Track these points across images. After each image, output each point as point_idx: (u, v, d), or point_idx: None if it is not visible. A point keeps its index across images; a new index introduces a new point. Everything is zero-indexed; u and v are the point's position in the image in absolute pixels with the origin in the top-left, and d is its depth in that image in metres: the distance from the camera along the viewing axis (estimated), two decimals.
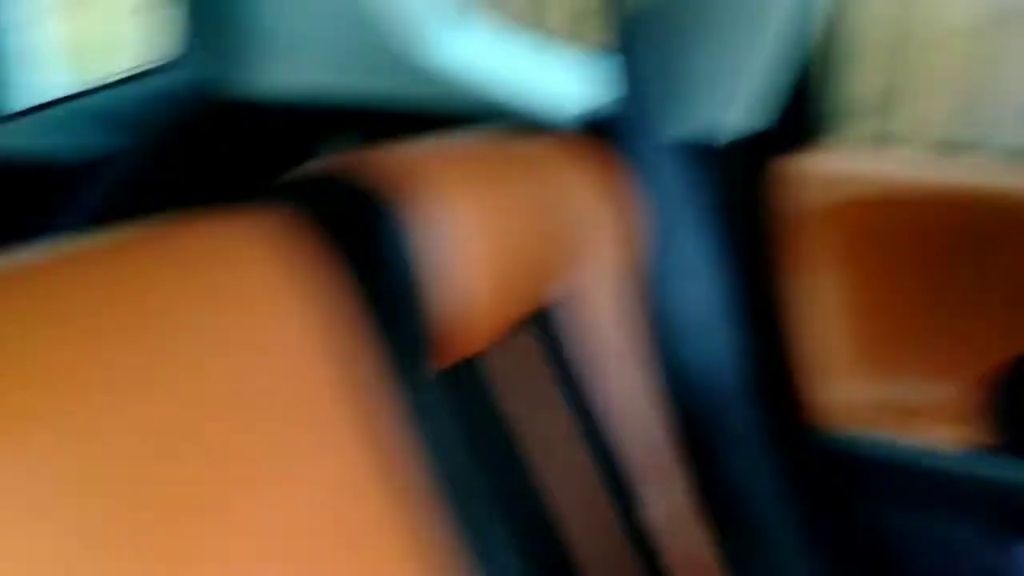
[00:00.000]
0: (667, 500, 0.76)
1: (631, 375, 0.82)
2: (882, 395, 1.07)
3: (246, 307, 0.43)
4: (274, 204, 0.49)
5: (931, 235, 1.05)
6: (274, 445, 0.41)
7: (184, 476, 0.36)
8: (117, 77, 1.07)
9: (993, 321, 1.06)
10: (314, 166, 0.56)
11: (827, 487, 1.01)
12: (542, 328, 0.71)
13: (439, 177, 0.59)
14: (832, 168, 1.08)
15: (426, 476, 0.51)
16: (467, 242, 0.57)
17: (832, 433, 1.00)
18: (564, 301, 0.74)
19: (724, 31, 0.89)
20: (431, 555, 0.49)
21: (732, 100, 0.91)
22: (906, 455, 0.99)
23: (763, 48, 0.90)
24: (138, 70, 1.07)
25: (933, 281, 1.06)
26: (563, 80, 0.98)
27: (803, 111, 1.08)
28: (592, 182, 0.81)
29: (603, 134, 0.85)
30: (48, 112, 1.04)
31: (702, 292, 0.90)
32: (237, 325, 0.42)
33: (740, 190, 0.99)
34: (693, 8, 0.90)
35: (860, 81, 2.43)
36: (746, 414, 0.90)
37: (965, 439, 1.03)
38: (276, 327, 0.44)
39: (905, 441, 1.00)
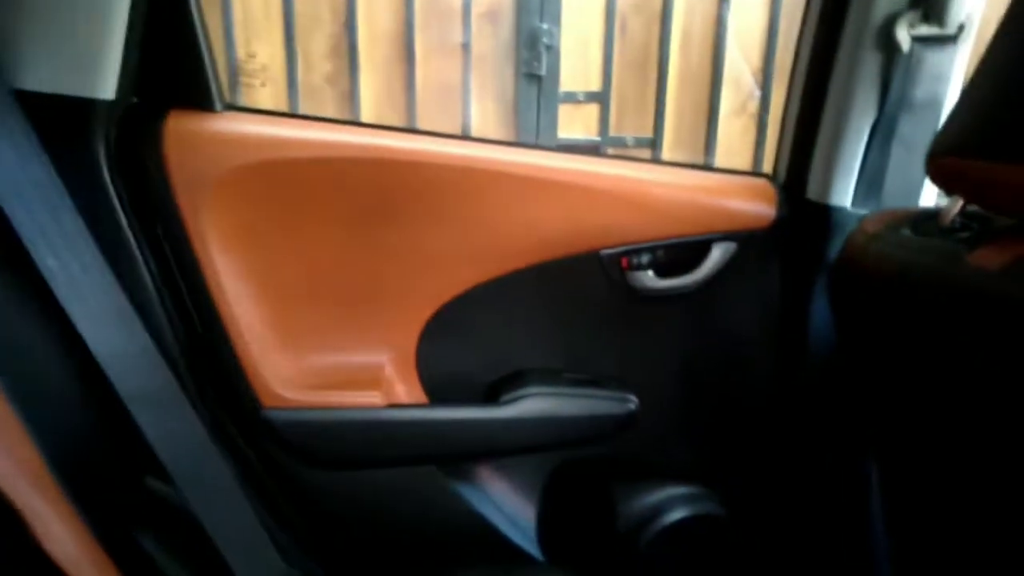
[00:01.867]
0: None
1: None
2: (315, 365, 1.06)
3: None
4: None
5: (339, 200, 1.02)
6: None
7: None
8: None
9: (406, 283, 1.08)
10: None
11: (276, 462, 1.05)
12: None
13: None
14: (233, 131, 0.99)
15: None
16: None
17: (275, 408, 1.03)
18: None
19: None
20: None
21: (102, 55, 0.84)
22: (345, 420, 1.04)
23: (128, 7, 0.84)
24: None
25: (345, 248, 1.04)
26: None
27: (196, 72, 0.97)
28: None
29: None
30: None
31: (103, 277, 0.82)
32: None
33: (130, 155, 0.92)
34: None
35: (254, 45, 2.24)
36: (183, 407, 0.87)
37: (395, 396, 1.09)
38: None
39: (344, 406, 1.04)
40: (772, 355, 1.14)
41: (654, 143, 2.60)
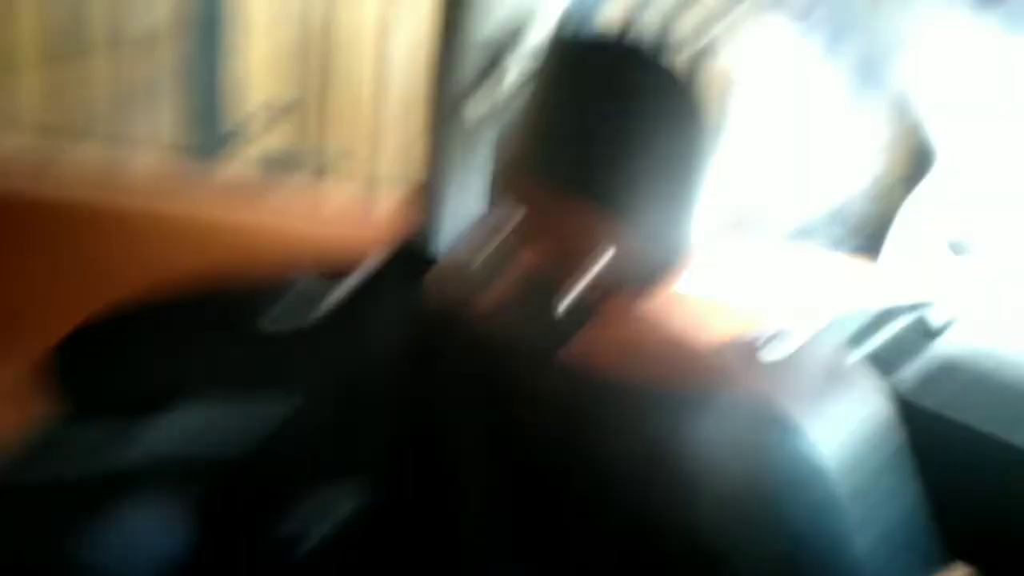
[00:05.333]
0: None
1: None
2: None
3: None
4: None
5: None
6: None
7: None
8: None
9: (53, 305, 1.04)
10: None
11: None
12: None
13: None
14: None
15: None
16: None
17: None
18: None
19: None
20: None
21: None
22: None
23: None
24: None
25: None
26: None
27: None
28: None
29: None
30: None
31: None
32: None
33: None
34: None
35: None
36: None
37: (28, 419, 1.10)
38: None
39: None
40: None
41: None
